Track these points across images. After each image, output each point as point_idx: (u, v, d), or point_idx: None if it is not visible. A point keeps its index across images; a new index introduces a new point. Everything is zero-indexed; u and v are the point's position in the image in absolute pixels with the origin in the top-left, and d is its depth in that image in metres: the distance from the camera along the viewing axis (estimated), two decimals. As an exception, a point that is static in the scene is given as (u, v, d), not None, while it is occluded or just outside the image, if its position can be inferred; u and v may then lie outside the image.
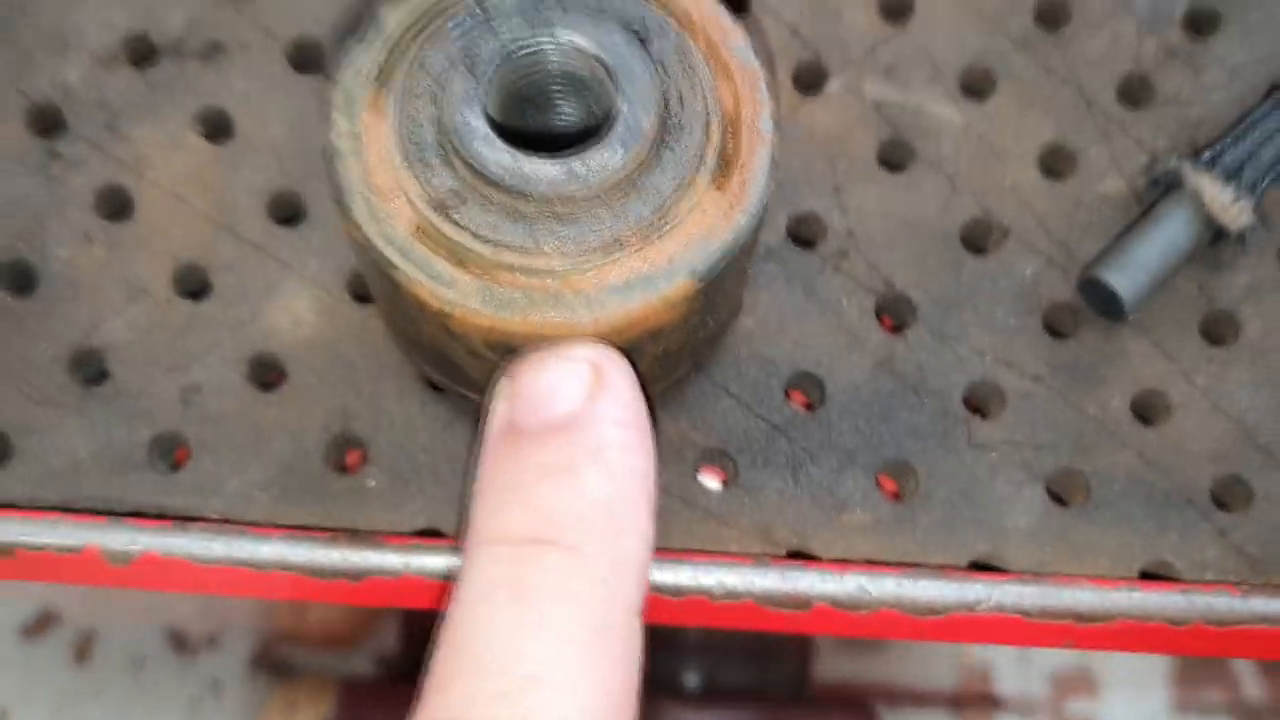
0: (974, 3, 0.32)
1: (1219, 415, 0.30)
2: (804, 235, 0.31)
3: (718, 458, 0.30)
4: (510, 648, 0.20)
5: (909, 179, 0.31)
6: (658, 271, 0.24)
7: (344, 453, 0.30)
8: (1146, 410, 0.30)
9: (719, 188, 0.25)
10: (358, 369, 0.30)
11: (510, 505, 0.22)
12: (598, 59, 0.25)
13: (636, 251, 0.24)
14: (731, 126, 0.25)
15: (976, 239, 0.31)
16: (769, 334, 0.30)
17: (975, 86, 0.32)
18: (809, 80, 0.32)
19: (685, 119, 0.25)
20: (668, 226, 0.24)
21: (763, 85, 0.25)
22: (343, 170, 0.25)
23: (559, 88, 0.26)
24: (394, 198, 0.25)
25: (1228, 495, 0.30)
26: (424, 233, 0.24)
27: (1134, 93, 0.32)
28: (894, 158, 0.32)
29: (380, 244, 0.24)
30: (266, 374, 0.30)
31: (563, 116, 0.26)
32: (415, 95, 0.25)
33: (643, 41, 0.25)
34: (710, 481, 0.30)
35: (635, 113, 0.24)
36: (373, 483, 0.29)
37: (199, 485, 0.29)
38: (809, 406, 0.30)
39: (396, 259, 0.24)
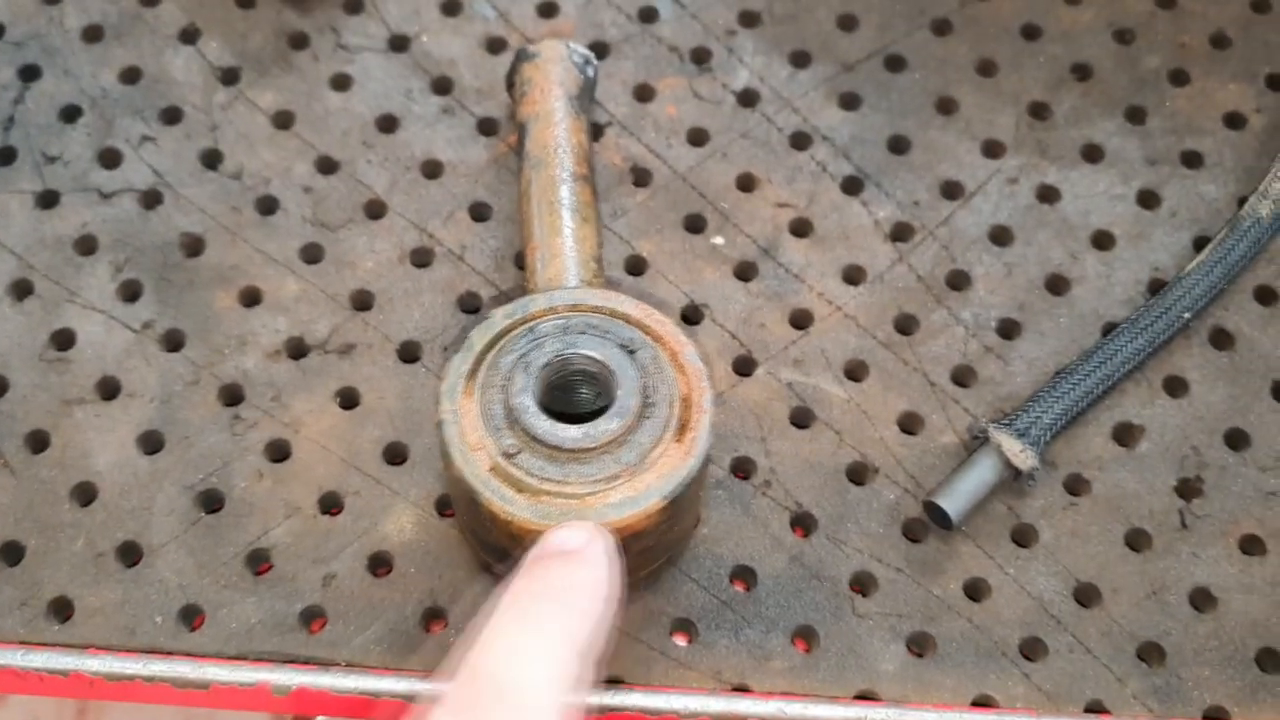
0: (852, 317, 0.48)
1: (1023, 595, 0.44)
2: (741, 471, 0.45)
3: (685, 624, 0.43)
4: (516, 633, 0.33)
5: (811, 434, 0.46)
6: (639, 495, 0.37)
7: (431, 619, 0.43)
8: (974, 591, 0.43)
9: (679, 441, 0.38)
10: (441, 562, 0.44)
11: (531, 579, 0.34)
12: (603, 364, 0.39)
13: (627, 482, 0.37)
14: (686, 404, 0.39)
15: (856, 475, 0.45)
16: (718, 539, 0.44)
17: (854, 373, 0.46)
18: (743, 368, 0.47)
19: (657, 400, 0.39)
20: (647, 466, 0.38)
21: (705, 379, 0.40)
22: (447, 434, 0.39)
23: (579, 381, 0.40)
24: (479, 450, 0.38)
25: (1030, 650, 0.42)
26: (497, 471, 0.38)
27: (962, 377, 0.47)
28: (801, 420, 0.46)
29: (470, 479, 0.38)
30: (380, 566, 0.44)
31: (582, 399, 0.41)
32: (491, 386, 0.39)
33: (631, 353, 0.40)
34: (679, 640, 0.43)
35: (626, 398, 0.38)
36: (451, 639, 0.43)
37: (333, 642, 0.42)
38: (746, 588, 0.44)
39: (480, 488, 0.38)
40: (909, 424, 0.46)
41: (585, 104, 0.48)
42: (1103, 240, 0.49)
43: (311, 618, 0.43)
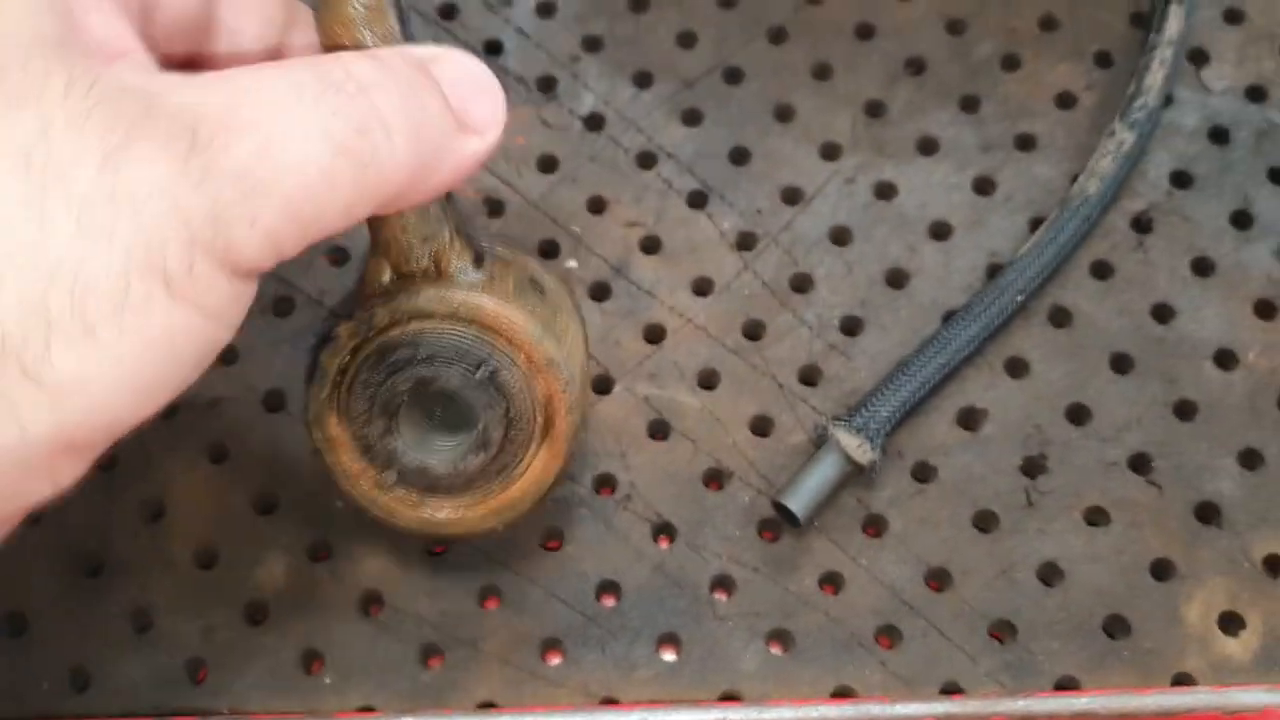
0: (702, 328, 0.49)
1: (877, 584, 0.45)
2: (603, 487, 0.47)
3: (554, 644, 0.45)
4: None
5: (669, 445, 0.47)
6: (515, 502, 0.40)
7: (310, 662, 0.45)
8: (829, 584, 0.45)
9: (546, 443, 0.39)
10: (314, 606, 0.45)
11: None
12: (463, 396, 0.39)
13: (499, 495, 0.40)
14: (548, 404, 0.39)
15: (712, 480, 0.46)
16: (582, 556, 0.46)
17: (706, 381, 0.48)
18: (601, 387, 0.48)
19: (521, 419, 0.39)
20: (516, 478, 0.40)
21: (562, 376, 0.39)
22: (327, 461, 0.40)
23: (442, 402, 0.40)
24: (359, 476, 0.40)
25: (886, 636, 0.44)
26: (380, 492, 0.40)
27: (810, 377, 0.48)
28: (658, 431, 0.47)
29: (359, 499, 0.40)
30: (257, 614, 0.45)
31: (450, 413, 0.40)
32: (356, 418, 0.39)
33: (491, 376, 0.39)
34: (551, 660, 0.45)
35: (490, 430, 0.39)
36: (328, 680, 0.44)
37: (215, 690, 0.44)
38: (613, 601, 0.45)
39: (368, 506, 0.40)
40: (760, 426, 0.47)
41: None
42: (940, 230, 0.51)
43: (194, 670, 0.44)
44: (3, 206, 0.25)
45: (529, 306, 0.39)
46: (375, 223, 0.39)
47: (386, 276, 0.41)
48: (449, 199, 0.39)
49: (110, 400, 0.27)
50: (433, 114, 0.32)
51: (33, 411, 0.26)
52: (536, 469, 0.40)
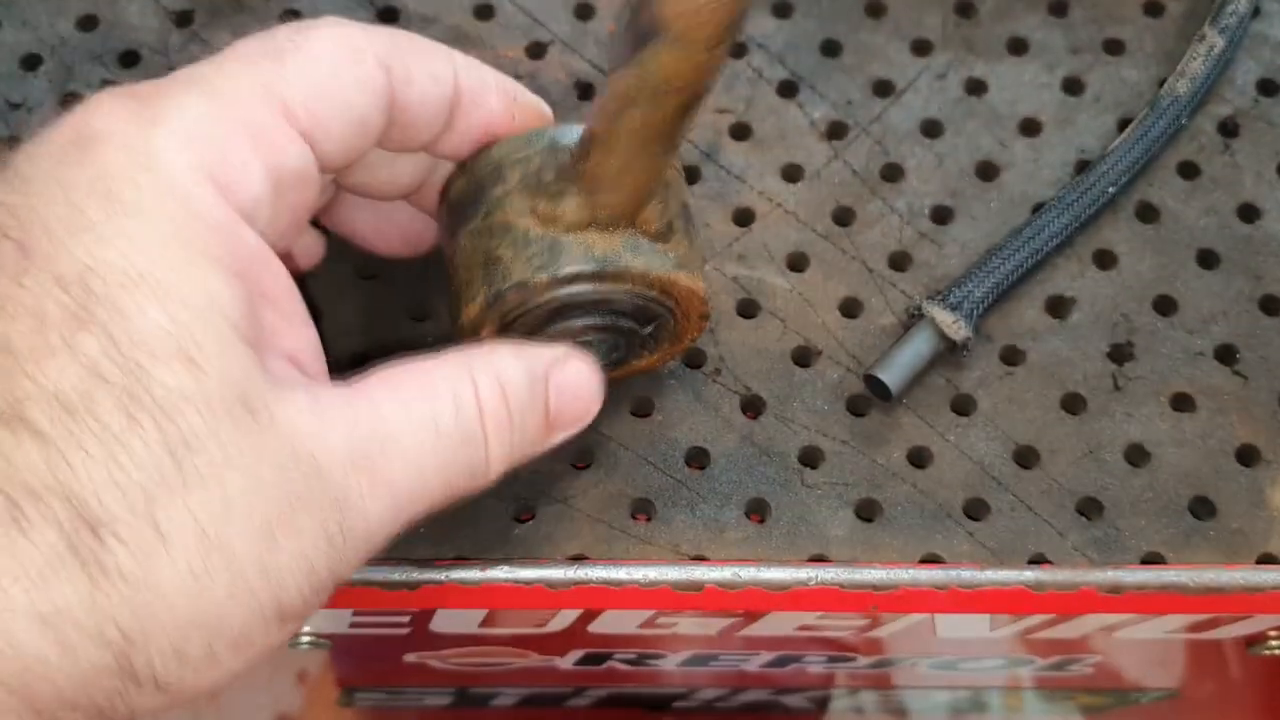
0: (792, 213, 0.50)
1: (965, 459, 0.46)
2: (693, 361, 0.47)
3: (644, 504, 0.45)
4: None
5: (757, 323, 0.48)
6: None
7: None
8: (917, 459, 0.45)
9: (669, 350, 0.43)
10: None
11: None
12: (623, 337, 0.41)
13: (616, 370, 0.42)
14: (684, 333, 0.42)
15: (801, 358, 0.47)
16: (673, 424, 0.46)
17: (796, 264, 0.48)
18: (691, 265, 0.49)
19: (659, 347, 0.43)
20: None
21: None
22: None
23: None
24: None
25: (973, 510, 0.45)
26: None
27: (899, 262, 0.48)
28: (747, 311, 0.48)
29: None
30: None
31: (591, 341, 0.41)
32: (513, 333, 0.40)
33: (656, 328, 0.42)
34: (641, 520, 0.45)
35: (630, 354, 0.43)
36: (422, 530, 0.44)
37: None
38: (701, 468, 0.46)
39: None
40: (849, 308, 0.48)
41: None
42: (1030, 127, 0.51)
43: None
44: (174, 571, 0.29)
45: (697, 256, 0.41)
46: (597, 175, 0.37)
47: (583, 213, 0.38)
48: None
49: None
50: (530, 433, 0.37)
51: (148, 703, 0.30)
52: (655, 360, 0.44)
